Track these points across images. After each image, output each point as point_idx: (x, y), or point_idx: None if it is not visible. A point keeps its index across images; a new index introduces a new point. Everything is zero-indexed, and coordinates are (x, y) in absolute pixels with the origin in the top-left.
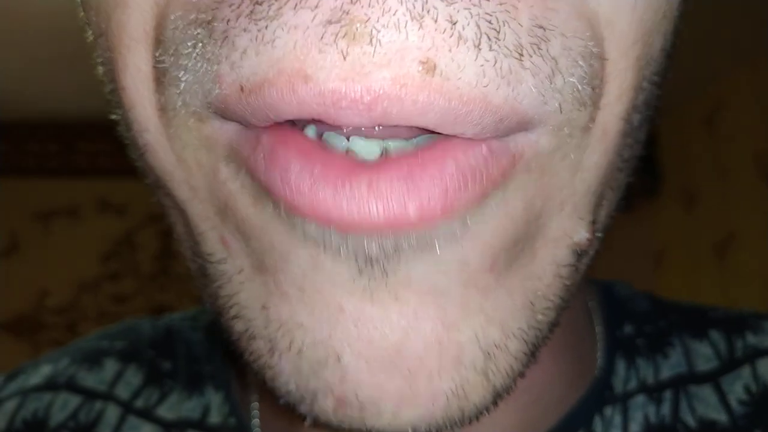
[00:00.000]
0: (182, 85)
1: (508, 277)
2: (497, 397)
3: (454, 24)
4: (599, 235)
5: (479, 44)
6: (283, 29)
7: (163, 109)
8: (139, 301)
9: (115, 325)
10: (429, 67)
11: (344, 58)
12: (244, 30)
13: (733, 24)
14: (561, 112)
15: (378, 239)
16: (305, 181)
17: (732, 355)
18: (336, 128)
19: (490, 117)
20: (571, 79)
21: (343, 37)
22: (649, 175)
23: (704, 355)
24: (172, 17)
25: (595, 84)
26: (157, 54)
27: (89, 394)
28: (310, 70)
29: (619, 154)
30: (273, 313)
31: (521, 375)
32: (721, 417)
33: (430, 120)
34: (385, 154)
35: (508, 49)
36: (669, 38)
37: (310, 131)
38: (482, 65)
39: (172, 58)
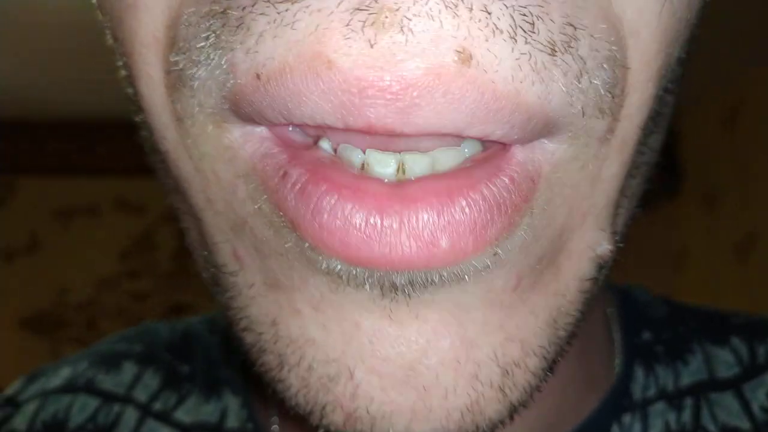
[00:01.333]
0: (196, 83)
1: (532, 296)
2: (513, 411)
3: (489, 14)
4: (620, 246)
5: (515, 36)
6: (305, 12)
7: (179, 118)
8: (158, 299)
9: (133, 328)
10: (465, 57)
11: (371, 46)
12: (262, 14)
13: (752, 23)
14: (583, 116)
15: (408, 274)
16: (336, 221)
17: (754, 361)
18: (351, 136)
19: (520, 116)
20: (595, 82)
21: (371, 25)
22: (670, 175)
23: (725, 361)
24: (185, 15)
25: (616, 93)
26: (170, 57)
27: (108, 397)
28: (334, 55)
29: (634, 162)
30: (282, 329)
31: (538, 389)
32: (743, 424)
33: (460, 115)
34: (401, 170)
35: (541, 44)
36: (685, 47)
37: (325, 144)
38: (518, 59)
39: (185, 56)
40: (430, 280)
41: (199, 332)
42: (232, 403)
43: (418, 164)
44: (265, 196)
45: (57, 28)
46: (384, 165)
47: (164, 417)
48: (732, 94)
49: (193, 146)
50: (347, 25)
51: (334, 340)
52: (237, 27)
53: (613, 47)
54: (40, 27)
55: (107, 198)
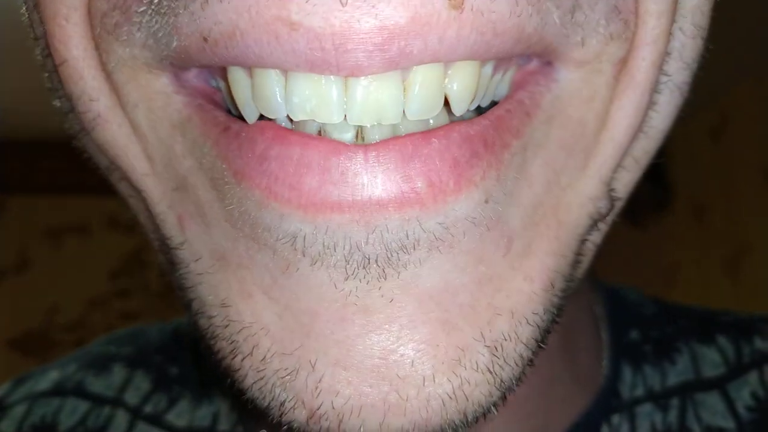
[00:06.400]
0: (134, 39)
1: (526, 259)
2: (506, 391)
3: None
4: (618, 203)
5: None
6: None
7: (109, 73)
8: (148, 318)
9: (123, 330)
10: (456, 3)
11: (342, 4)
12: None
13: (738, 38)
14: (583, 45)
15: (381, 232)
16: (286, 166)
17: (740, 360)
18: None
19: (521, 45)
20: (593, 15)
21: None
22: (659, 190)
23: (711, 360)
24: None
25: (627, 18)
26: (102, 13)
27: (97, 400)
28: (297, 16)
29: (647, 109)
30: (233, 312)
31: (531, 363)
32: (728, 424)
33: (459, 54)
34: (360, 134)
35: None
36: None
37: (282, 122)
38: None
39: (122, 14)
40: (411, 237)
41: (188, 333)
42: (223, 406)
43: (378, 132)
44: (206, 148)
45: None
46: (341, 130)
47: (156, 420)
48: (718, 109)
49: (126, 97)
50: None
51: (290, 332)
52: None
53: None
54: (30, 46)
55: (98, 217)
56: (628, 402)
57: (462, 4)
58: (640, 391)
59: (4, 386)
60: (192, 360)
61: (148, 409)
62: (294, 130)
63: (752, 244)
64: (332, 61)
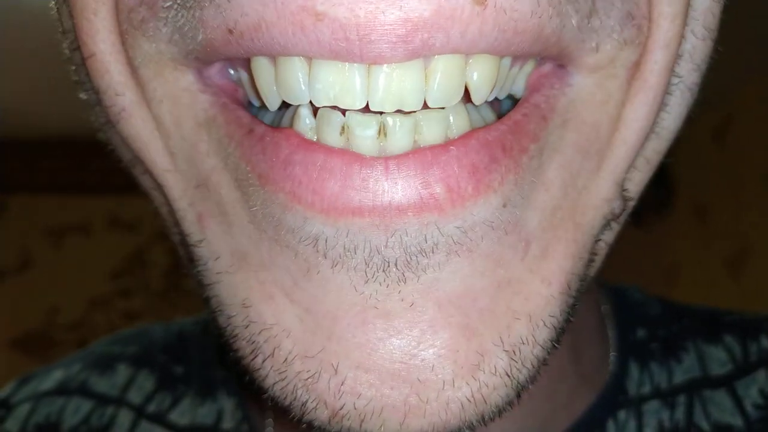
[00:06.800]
0: (160, 35)
1: (544, 262)
2: (522, 390)
3: None
4: (630, 203)
5: None
6: None
7: (135, 68)
8: (150, 318)
9: (128, 329)
10: (480, 0)
11: None
12: None
13: (741, 39)
14: (597, 51)
15: (400, 236)
16: (309, 171)
17: (747, 358)
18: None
19: (539, 44)
20: (608, 21)
21: None
22: (662, 191)
23: (718, 359)
24: None
25: (641, 23)
26: (129, 9)
27: (101, 399)
28: (322, 6)
29: (659, 111)
30: (254, 313)
31: (545, 363)
32: (736, 421)
33: (479, 49)
34: (383, 130)
35: None
36: None
37: (306, 116)
38: None
39: (148, 9)
40: (430, 241)
41: (193, 333)
42: (227, 404)
43: (399, 128)
44: (231, 149)
45: (48, 47)
46: (364, 126)
47: (159, 419)
48: (721, 110)
49: (151, 93)
50: None
51: (312, 334)
52: None
53: None
54: (31, 46)
55: (99, 216)
56: (635, 399)
57: (486, 0)
58: (647, 389)
59: (9, 386)
60: (198, 359)
61: (152, 408)
62: (317, 142)
63: (755, 244)
64: (356, 51)
